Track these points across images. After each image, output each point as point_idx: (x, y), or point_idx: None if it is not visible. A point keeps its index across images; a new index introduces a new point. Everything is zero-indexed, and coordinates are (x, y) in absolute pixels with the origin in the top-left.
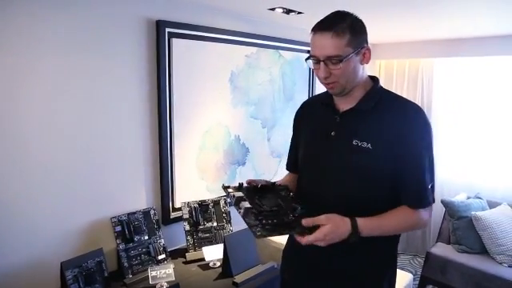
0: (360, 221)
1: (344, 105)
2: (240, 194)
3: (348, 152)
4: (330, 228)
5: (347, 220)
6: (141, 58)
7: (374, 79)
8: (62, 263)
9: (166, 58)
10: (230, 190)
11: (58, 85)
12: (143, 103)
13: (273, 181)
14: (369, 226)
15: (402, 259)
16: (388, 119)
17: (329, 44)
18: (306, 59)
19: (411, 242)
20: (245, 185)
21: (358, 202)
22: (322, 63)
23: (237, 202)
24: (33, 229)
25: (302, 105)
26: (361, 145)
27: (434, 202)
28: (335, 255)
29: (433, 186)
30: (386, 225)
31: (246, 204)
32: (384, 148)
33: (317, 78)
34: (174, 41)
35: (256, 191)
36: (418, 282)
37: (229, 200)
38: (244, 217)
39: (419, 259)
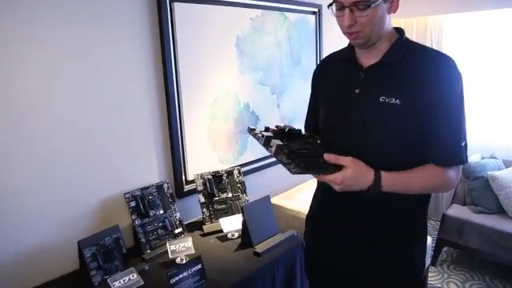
0: (384, 174)
1: (368, 59)
2: (269, 133)
3: (375, 110)
4: (351, 172)
5: (372, 171)
6: (142, 27)
7: (399, 31)
8: (79, 242)
9: (168, 25)
10: (257, 132)
11: (61, 63)
12: (149, 75)
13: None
14: (392, 181)
15: None
16: (417, 72)
17: None
18: (329, 5)
19: None
20: (272, 127)
21: (386, 163)
22: (346, 9)
23: (267, 142)
24: (47, 210)
25: (321, 62)
26: (388, 101)
27: (467, 161)
28: (365, 219)
29: (466, 144)
30: (411, 182)
31: (278, 141)
32: (414, 103)
33: (324, 41)
34: (176, 5)
35: (282, 135)
36: (434, 245)
37: (258, 141)
38: (276, 155)
39: (432, 222)
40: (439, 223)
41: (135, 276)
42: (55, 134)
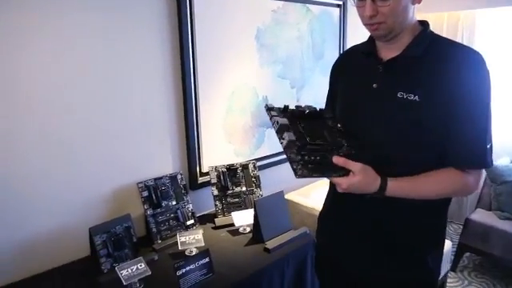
0: (390, 183)
1: (388, 52)
2: (285, 120)
3: (392, 106)
4: (358, 180)
5: (378, 180)
6: (160, 15)
7: (423, 24)
8: (90, 229)
9: (187, 15)
10: (273, 113)
11: (74, 49)
12: (165, 64)
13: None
14: (399, 188)
15: None
16: (440, 67)
17: None
18: None
19: None
20: (291, 107)
21: (402, 164)
22: None
23: (280, 130)
24: (60, 198)
25: (340, 55)
26: (407, 97)
27: (492, 164)
28: (377, 221)
29: (491, 147)
30: (423, 188)
31: (291, 135)
32: (434, 100)
33: (348, 35)
34: None
35: (301, 117)
36: (454, 249)
37: (271, 125)
38: (286, 149)
39: (455, 226)
40: (462, 227)
41: (143, 266)
42: (68, 123)
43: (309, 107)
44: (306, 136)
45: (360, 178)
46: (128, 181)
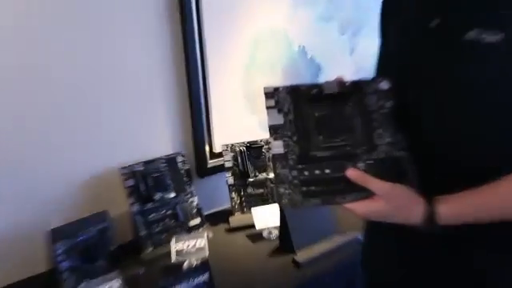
0: (443, 209)
1: None
2: (279, 119)
3: (459, 54)
4: (382, 208)
5: (421, 207)
6: None
7: None
8: (49, 232)
9: None
10: (269, 103)
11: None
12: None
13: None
14: (458, 215)
15: None
16: None
17: None
18: None
19: None
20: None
21: (474, 144)
22: None
23: (270, 132)
24: (17, 191)
25: None
26: (484, 36)
27: None
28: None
29: None
30: (489, 208)
31: (278, 147)
32: None
33: None
34: None
35: (317, 99)
36: None
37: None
38: (274, 161)
39: None
40: None
41: (117, 285)
42: (26, 86)
43: (334, 87)
44: (317, 134)
45: (384, 203)
46: (108, 165)
